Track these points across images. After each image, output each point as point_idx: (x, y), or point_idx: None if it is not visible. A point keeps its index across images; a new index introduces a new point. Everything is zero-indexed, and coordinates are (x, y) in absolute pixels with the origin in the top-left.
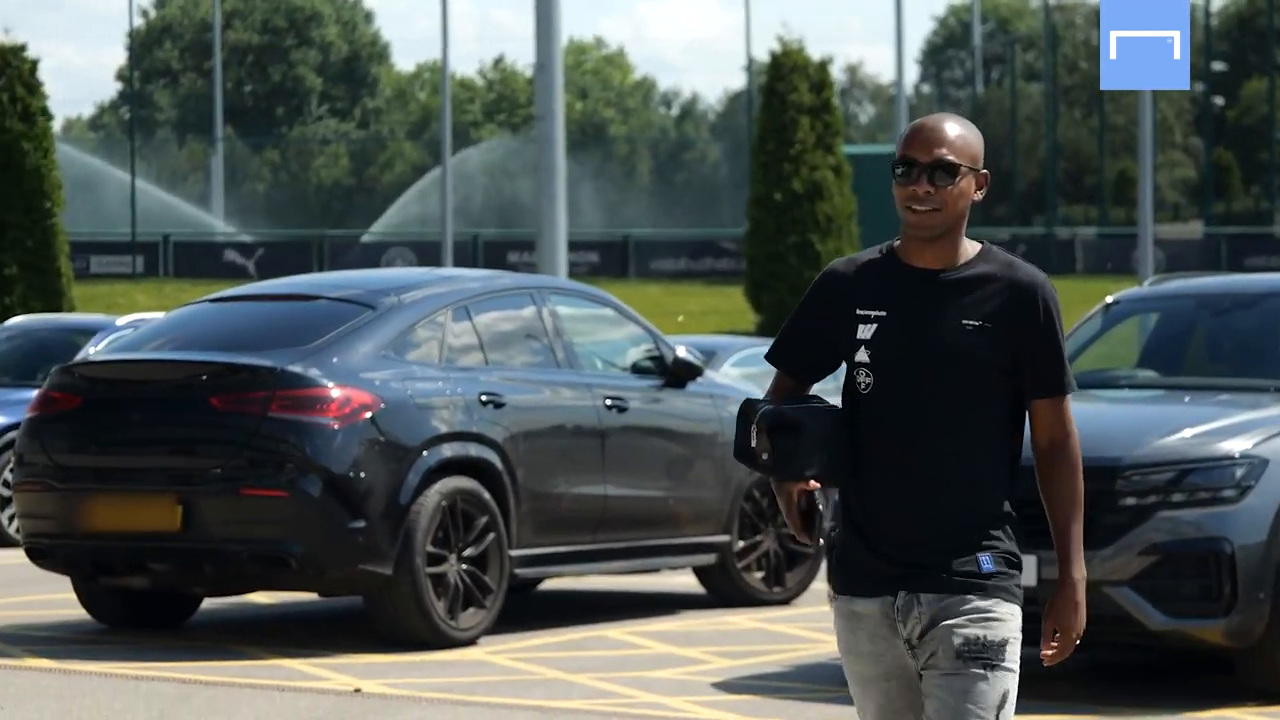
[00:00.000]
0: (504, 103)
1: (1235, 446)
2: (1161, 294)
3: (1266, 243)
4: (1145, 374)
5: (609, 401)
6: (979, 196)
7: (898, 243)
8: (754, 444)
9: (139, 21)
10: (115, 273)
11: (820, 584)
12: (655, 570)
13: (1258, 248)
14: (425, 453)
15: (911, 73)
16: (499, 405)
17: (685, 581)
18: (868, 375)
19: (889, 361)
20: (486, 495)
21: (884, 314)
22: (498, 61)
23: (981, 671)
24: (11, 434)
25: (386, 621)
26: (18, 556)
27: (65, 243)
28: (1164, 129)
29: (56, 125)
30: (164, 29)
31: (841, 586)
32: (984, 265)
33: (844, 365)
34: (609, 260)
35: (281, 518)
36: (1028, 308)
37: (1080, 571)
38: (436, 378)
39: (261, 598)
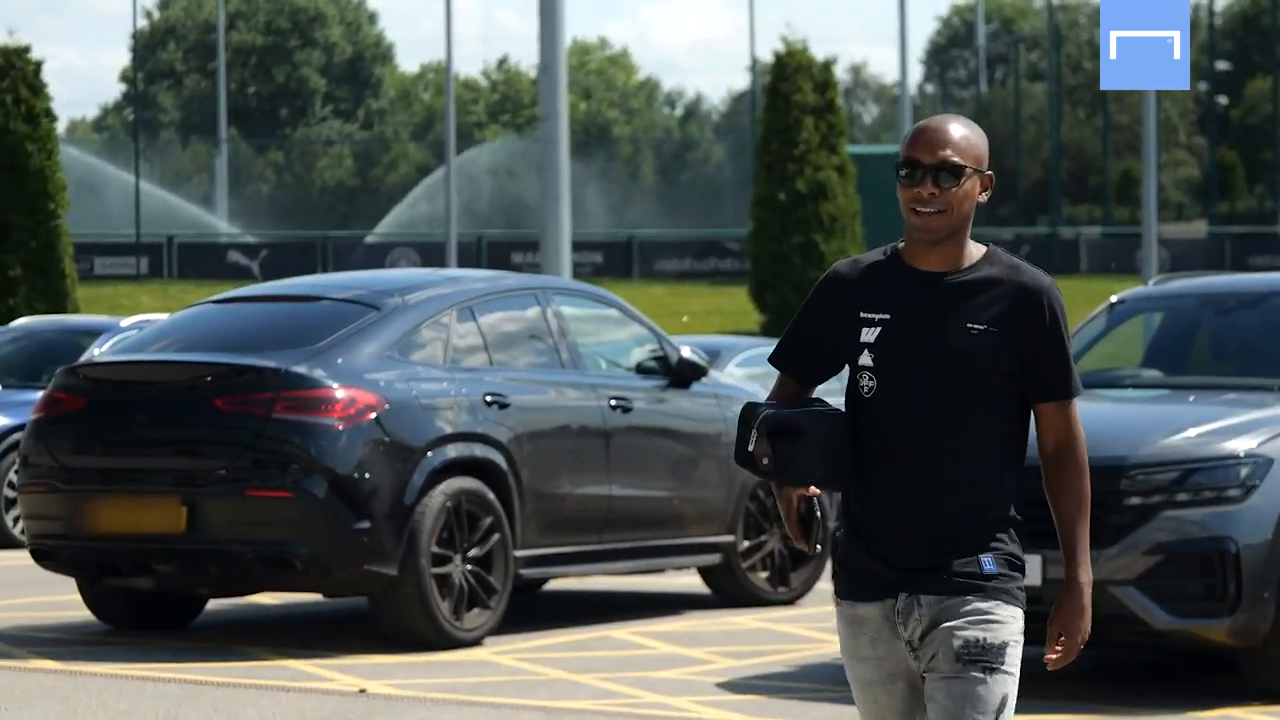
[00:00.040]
0: (508, 103)
1: (1240, 446)
2: (1166, 293)
3: (1270, 242)
4: (1149, 373)
5: (613, 402)
6: (984, 198)
7: (902, 244)
8: (753, 448)
9: (143, 23)
10: (119, 274)
11: (825, 584)
12: (660, 570)
13: (1262, 247)
14: (430, 453)
15: (915, 73)
16: (504, 406)
17: (690, 582)
18: (870, 379)
19: (892, 365)
20: (491, 496)
21: (888, 317)
22: (502, 62)
23: (980, 675)
24: (16, 435)
25: (391, 622)
26: (23, 558)
27: (69, 244)
28: (1168, 128)
29: (60, 127)
30: (168, 30)
31: (843, 591)
32: (989, 268)
33: (847, 368)
34: (613, 261)
35: (286, 519)
36: (1033, 312)
37: (1086, 575)
38: (441, 378)
39: (266, 599)
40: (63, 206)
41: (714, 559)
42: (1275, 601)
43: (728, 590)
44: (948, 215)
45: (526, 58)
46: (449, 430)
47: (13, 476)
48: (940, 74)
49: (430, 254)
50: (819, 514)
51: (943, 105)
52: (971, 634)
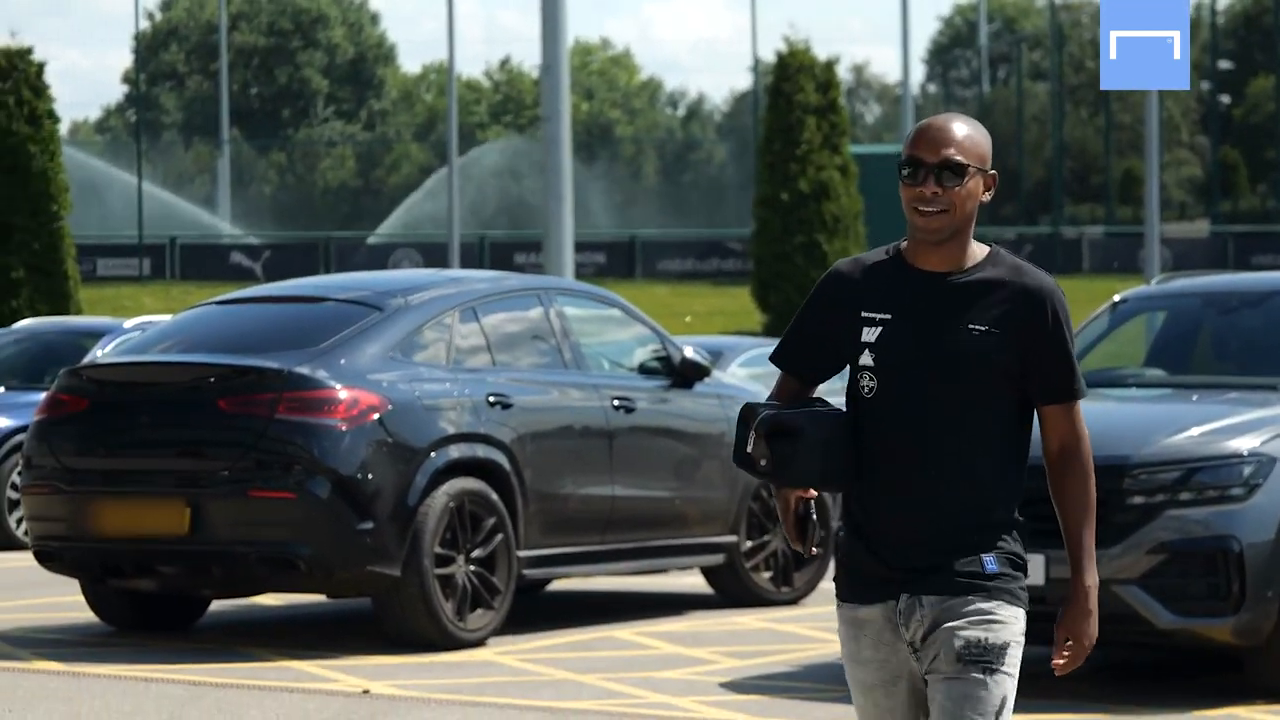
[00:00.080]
0: (510, 104)
1: (1243, 445)
2: (1168, 293)
3: (1273, 241)
4: (1152, 373)
5: (616, 402)
6: (987, 198)
7: (904, 244)
8: (751, 449)
9: (145, 24)
10: (122, 275)
11: (828, 584)
12: (663, 571)
13: (1264, 246)
14: (433, 454)
15: (917, 72)
16: (506, 406)
17: (693, 582)
18: (871, 379)
19: (893, 365)
20: (494, 496)
21: (889, 317)
22: (504, 63)
23: (981, 676)
24: (19, 437)
25: (394, 623)
26: (26, 559)
27: (72, 245)
28: (1170, 127)
29: (63, 128)
30: (170, 32)
31: (844, 593)
32: (992, 269)
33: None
34: (616, 261)
35: (289, 519)
36: (1036, 314)
37: (1092, 579)
38: (444, 379)
39: (270, 600)
40: (65, 208)
41: (717, 559)
42: (1279, 600)
43: (731, 590)
44: (950, 214)
45: (529, 58)
46: (452, 431)
47: (16, 478)
48: (943, 74)
49: (433, 255)
50: (815, 516)
51: (945, 105)
52: (973, 634)
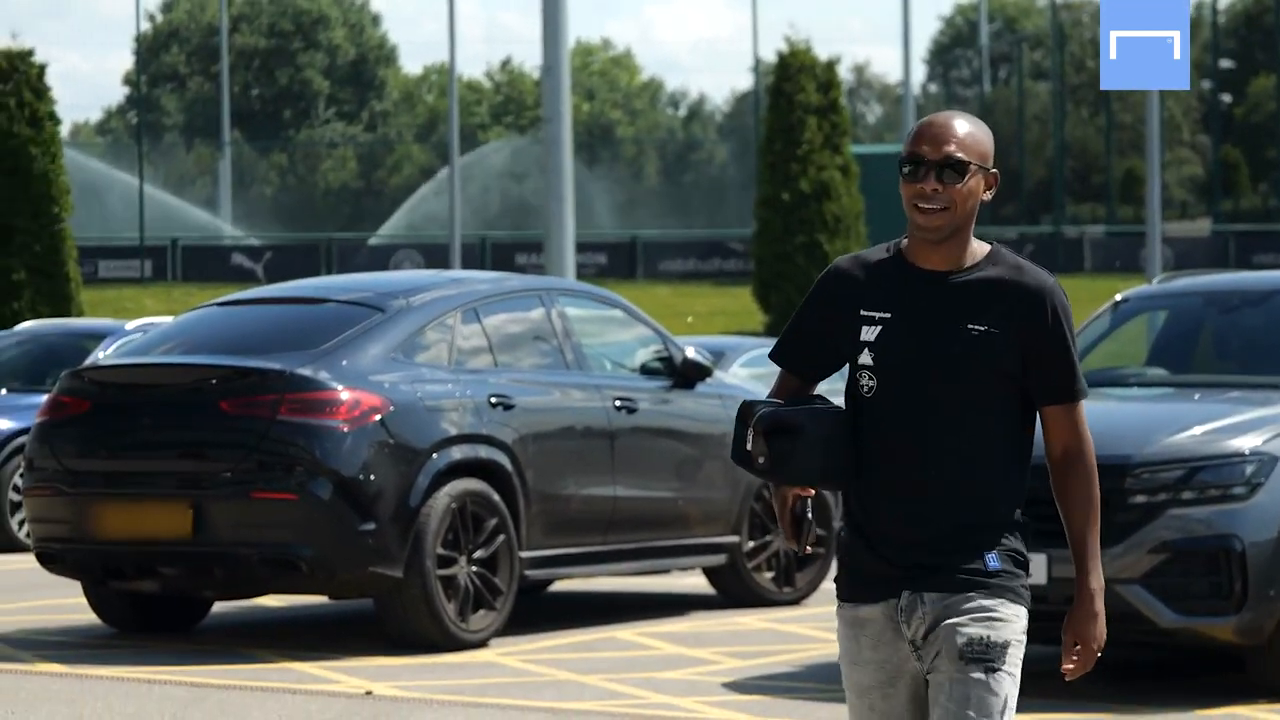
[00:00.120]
0: (511, 105)
1: (1245, 444)
2: (1170, 292)
3: (1274, 240)
4: (1154, 372)
5: (618, 403)
6: (988, 197)
7: (905, 242)
8: (750, 447)
9: (146, 26)
10: (123, 277)
11: (830, 584)
12: (665, 571)
13: (1266, 245)
14: (435, 455)
15: (918, 72)
16: (508, 407)
17: (695, 582)
18: (870, 378)
19: (893, 364)
20: (496, 497)
21: (889, 316)
22: (505, 64)
23: (982, 676)
24: (21, 439)
25: (397, 624)
26: (28, 561)
27: (73, 247)
28: (1171, 127)
29: (64, 130)
30: (171, 33)
31: (845, 593)
32: (993, 268)
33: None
34: (617, 261)
35: (291, 521)
36: (1037, 313)
37: (1098, 581)
38: (446, 380)
39: (272, 601)
40: (66, 210)
41: (719, 559)
42: None
43: (733, 591)
44: (951, 212)
45: (530, 59)
46: (454, 432)
47: (18, 480)
48: (944, 73)
49: (434, 255)
50: (811, 515)
51: (946, 104)
52: (975, 631)
